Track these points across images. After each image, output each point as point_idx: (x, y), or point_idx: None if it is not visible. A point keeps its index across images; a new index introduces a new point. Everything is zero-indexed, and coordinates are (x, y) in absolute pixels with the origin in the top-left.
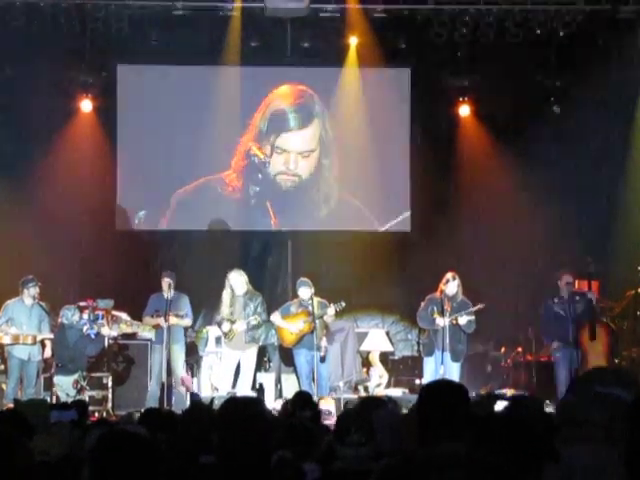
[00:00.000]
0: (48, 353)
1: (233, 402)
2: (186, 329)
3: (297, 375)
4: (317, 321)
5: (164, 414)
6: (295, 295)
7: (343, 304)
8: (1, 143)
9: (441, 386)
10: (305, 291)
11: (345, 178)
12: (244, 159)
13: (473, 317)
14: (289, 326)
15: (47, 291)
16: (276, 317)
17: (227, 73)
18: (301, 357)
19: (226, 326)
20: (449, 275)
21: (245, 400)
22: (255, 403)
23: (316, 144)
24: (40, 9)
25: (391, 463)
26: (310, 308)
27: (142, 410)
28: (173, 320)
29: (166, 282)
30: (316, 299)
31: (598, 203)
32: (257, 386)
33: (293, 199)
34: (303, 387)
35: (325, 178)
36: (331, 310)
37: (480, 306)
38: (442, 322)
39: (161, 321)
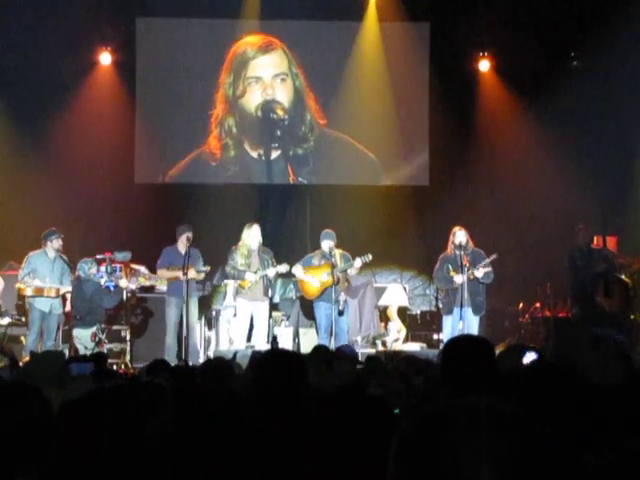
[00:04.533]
0: (69, 306)
1: (273, 356)
2: (198, 282)
3: (316, 328)
4: (340, 274)
5: (172, 366)
6: (314, 248)
7: (370, 256)
8: (21, 96)
9: (466, 340)
10: (328, 243)
11: (364, 133)
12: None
13: (489, 268)
14: (311, 279)
15: (65, 244)
16: (298, 269)
17: (245, 26)
18: (321, 310)
19: (251, 276)
20: (455, 228)
21: (285, 353)
22: (295, 356)
23: (286, 69)
24: None
25: (414, 417)
26: (333, 260)
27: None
28: (192, 274)
29: (187, 236)
30: (338, 251)
31: (617, 159)
32: (271, 338)
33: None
34: (321, 340)
35: (302, 103)
36: (358, 262)
37: (494, 256)
38: (460, 279)
39: (180, 274)
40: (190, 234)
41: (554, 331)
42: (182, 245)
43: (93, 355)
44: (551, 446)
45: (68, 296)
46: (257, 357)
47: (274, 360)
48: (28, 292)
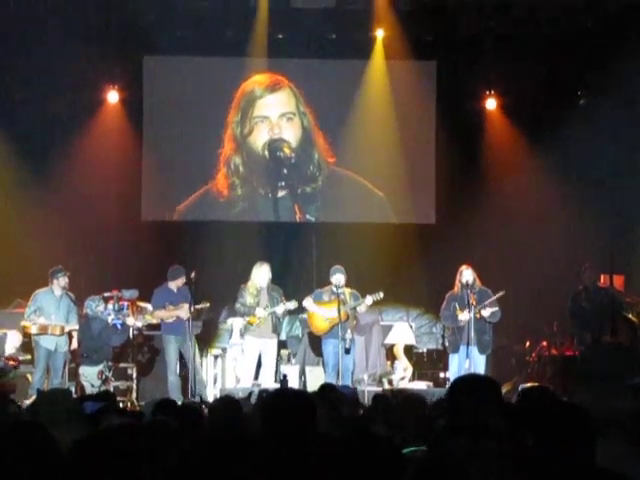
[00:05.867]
0: (75, 344)
1: (283, 395)
2: (195, 320)
3: (324, 365)
4: (349, 311)
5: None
6: (320, 286)
7: (381, 294)
8: (28, 133)
9: (472, 379)
10: (339, 278)
11: (371, 170)
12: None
13: (496, 308)
14: (323, 312)
15: (72, 281)
16: (309, 302)
17: (253, 65)
18: (329, 347)
19: (260, 311)
20: (462, 267)
21: (295, 393)
22: (305, 396)
23: (294, 108)
24: None
25: (426, 458)
26: (343, 297)
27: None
28: (186, 312)
29: (182, 279)
30: (347, 290)
31: (625, 197)
32: (280, 377)
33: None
34: (328, 378)
35: (310, 142)
36: (369, 300)
37: (501, 293)
38: (465, 317)
39: (178, 313)
40: (184, 277)
41: (562, 370)
42: (174, 285)
43: (102, 393)
44: None
45: (74, 334)
46: (266, 396)
47: (283, 400)
48: (33, 330)
